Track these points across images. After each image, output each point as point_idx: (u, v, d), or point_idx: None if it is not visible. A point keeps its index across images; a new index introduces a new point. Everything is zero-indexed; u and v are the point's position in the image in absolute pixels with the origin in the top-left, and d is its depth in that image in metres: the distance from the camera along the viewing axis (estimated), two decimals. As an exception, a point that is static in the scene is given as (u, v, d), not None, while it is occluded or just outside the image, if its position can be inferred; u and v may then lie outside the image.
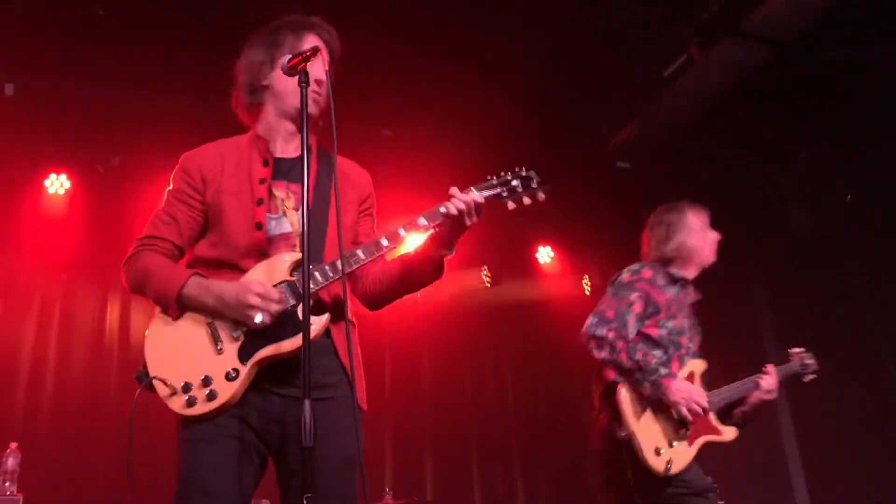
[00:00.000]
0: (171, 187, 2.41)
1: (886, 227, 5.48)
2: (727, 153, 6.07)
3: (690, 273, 3.53)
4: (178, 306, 2.21)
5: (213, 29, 4.92)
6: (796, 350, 3.78)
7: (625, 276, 3.43)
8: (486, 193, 2.30)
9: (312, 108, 2.37)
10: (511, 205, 2.34)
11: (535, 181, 2.36)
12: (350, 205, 2.47)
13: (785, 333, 6.00)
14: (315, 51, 2.18)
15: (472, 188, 2.30)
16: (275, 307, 2.16)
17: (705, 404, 3.22)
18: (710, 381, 3.44)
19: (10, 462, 4.67)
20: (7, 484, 4.61)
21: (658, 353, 3.30)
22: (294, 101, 2.36)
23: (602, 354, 3.20)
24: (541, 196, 2.36)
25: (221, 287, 2.20)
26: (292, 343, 2.15)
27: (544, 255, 7.76)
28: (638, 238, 3.70)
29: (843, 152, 5.85)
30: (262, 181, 2.35)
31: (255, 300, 2.14)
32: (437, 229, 2.31)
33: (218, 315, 2.21)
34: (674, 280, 3.47)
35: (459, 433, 7.14)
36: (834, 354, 3.93)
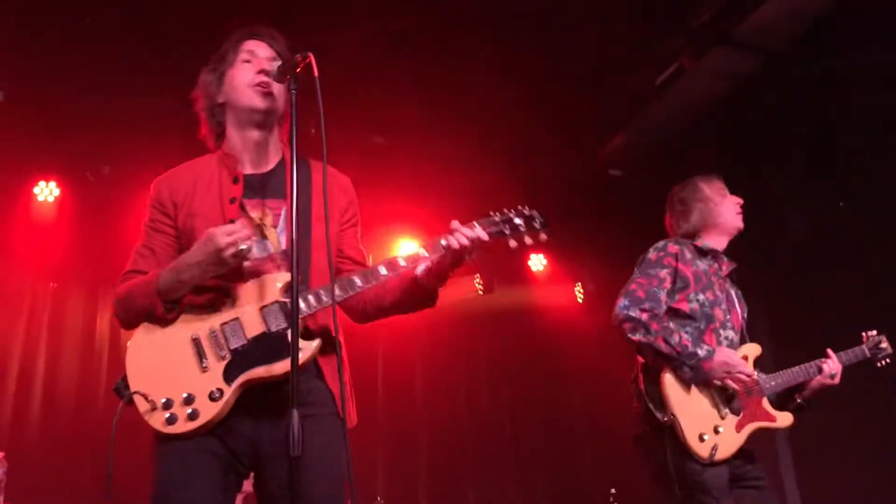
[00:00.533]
0: (145, 219, 2.38)
1: (880, 231, 5.51)
2: (719, 161, 6.08)
3: (720, 244, 3.50)
4: (162, 302, 2.17)
5: (206, 36, 4.88)
6: (868, 333, 3.69)
7: (651, 254, 3.39)
8: (489, 230, 2.26)
9: (261, 102, 2.35)
10: (512, 243, 2.29)
11: (537, 221, 2.32)
12: (331, 218, 2.39)
13: (780, 336, 6.00)
14: (305, 57, 2.13)
15: (476, 223, 2.25)
16: (246, 232, 2.12)
17: (749, 371, 3.19)
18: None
19: (-2, 472, 4.62)
20: (-6, 494, 4.56)
21: (689, 328, 3.26)
22: (241, 96, 2.36)
23: (637, 337, 3.15)
24: (542, 237, 2.32)
25: (186, 255, 2.16)
26: (282, 366, 2.09)
27: (536, 262, 7.76)
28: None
29: (835, 158, 5.87)
30: (232, 200, 2.31)
31: (229, 244, 2.08)
32: (435, 261, 2.27)
33: (202, 274, 2.14)
34: (703, 253, 3.43)
35: (453, 441, 7.11)
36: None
